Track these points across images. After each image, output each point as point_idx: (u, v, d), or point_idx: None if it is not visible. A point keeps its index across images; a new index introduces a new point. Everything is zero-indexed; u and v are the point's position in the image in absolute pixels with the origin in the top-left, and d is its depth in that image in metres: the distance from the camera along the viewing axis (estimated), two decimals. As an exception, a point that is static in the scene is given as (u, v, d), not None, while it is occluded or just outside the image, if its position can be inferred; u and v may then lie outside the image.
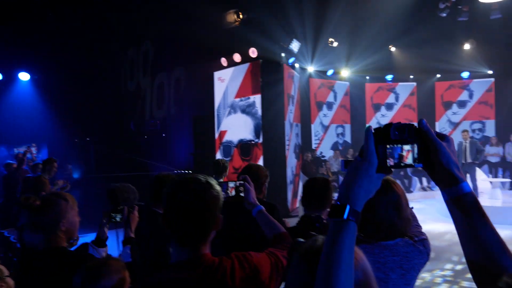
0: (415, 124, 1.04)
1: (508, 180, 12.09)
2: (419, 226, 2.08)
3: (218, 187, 1.48)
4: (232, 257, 1.45)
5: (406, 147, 1.01)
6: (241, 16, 10.72)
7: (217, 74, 11.75)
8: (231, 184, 2.04)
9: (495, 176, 12.41)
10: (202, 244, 1.42)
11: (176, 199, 1.40)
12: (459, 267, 6.26)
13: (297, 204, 11.27)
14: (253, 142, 10.69)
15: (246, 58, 10.90)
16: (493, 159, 12.59)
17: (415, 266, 1.73)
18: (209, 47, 11.56)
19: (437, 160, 1.01)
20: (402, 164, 1.00)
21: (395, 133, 1.00)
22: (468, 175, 9.73)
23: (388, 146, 0.99)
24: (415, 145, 1.01)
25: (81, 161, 13.42)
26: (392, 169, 1.01)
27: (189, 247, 1.41)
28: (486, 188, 10.66)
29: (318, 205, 2.67)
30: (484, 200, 10.04)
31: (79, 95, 13.05)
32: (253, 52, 10.73)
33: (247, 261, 1.44)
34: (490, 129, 14.62)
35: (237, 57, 11.07)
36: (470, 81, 15.20)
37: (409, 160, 1.01)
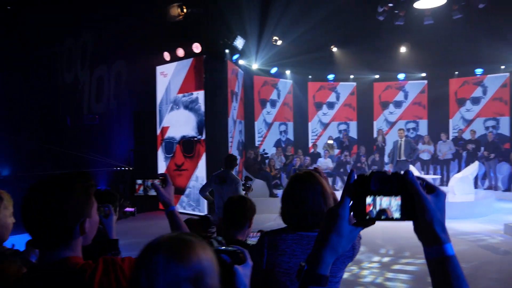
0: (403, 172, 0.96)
1: (438, 176, 12.84)
2: None
3: (83, 187, 1.36)
4: (99, 261, 1.38)
5: (388, 199, 0.94)
6: (185, 10, 10.54)
7: (159, 69, 11.49)
8: (139, 181, 1.98)
9: (427, 173, 13.13)
10: (63, 247, 1.34)
11: (29, 202, 1.31)
12: (386, 259, 6.56)
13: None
14: (196, 138, 10.56)
15: (189, 53, 10.75)
16: (425, 157, 13.31)
17: (341, 258, 1.76)
18: (151, 40, 11.28)
19: (420, 216, 0.93)
20: (382, 217, 0.94)
21: (376, 184, 0.94)
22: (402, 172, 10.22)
23: (368, 197, 0.94)
24: (399, 197, 0.94)
25: (10, 158, 12.59)
26: (371, 223, 0.95)
27: (50, 250, 1.33)
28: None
29: (236, 226, 2.57)
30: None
31: (7, 86, 12.23)
32: (196, 47, 10.61)
33: (114, 265, 1.34)
34: (423, 128, 15.45)
35: (180, 52, 10.89)
36: (406, 83, 15.96)
37: (390, 213, 0.94)
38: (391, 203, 0.93)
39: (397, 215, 0.93)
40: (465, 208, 9.76)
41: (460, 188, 10.68)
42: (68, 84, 14.68)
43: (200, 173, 10.44)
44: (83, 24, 13.11)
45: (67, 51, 14.69)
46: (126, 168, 11.75)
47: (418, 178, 0.95)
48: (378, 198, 0.93)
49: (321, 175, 2.00)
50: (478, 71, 14.84)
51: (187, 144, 10.73)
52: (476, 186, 12.17)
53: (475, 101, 14.97)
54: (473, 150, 12.75)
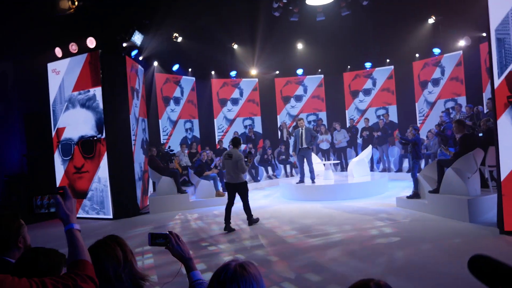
0: None
1: (338, 161, 13.66)
2: None
3: None
4: None
5: None
6: (76, 2, 9.97)
7: (51, 66, 10.73)
8: (37, 198, 1.79)
9: (328, 159, 13.89)
10: None
11: None
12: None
13: (148, 201, 10.95)
14: (95, 138, 10.02)
15: (83, 48, 10.19)
16: (324, 146, 14.07)
17: None
18: (41, 36, 10.47)
19: None
20: None
21: None
22: (305, 159, 10.71)
23: None
24: None
25: None
26: None
27: None
28: (321, 171, 11.86)
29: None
30: (320, 181, 11.16)
31: None
32: (91, 42, 10.09)
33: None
34: (323, 120, 16.30)
35: (73, 47, 10.27)
36: (304, 77, 16.74)
37: None
38: None
39: None
40: (363, 188, 10.48)
41: (357, 170, 11.45)
42: None
43: (102, 173, 9.93)
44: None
45: None
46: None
47: None
48: None
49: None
50: (367, 64, 16.07)
51: (87, 144, 10.13)
52: (372, 169, 13.14)
53: (367, 92, 16.18)
54: (367, 136, 13.74)
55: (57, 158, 10.58)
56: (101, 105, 9.95)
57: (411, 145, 8.71)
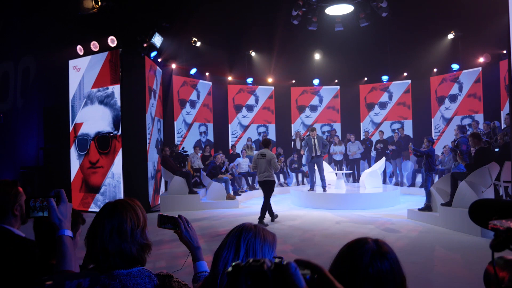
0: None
1: (350, 171, 13.61)
2: None
3: None
4: None
5: None
6: (99, 2, 10.19)
7: (72, 63, 10.97)
8: (32, 200, 1.71)
9: (340, 169, 13.85)
10: None
11: None
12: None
13: (159, 200, 11.04)
14: (111, 134, 10.17)
15: (104, 47, 10.40)
16: (338, 157, 14.04)
17: None
18: (64, 34, 10.75)
19: None
20: None
21: (247, 281, 0.75)
22: (315, 167, 10.73)
23: None
24: None
25: None
26: None
27: None
28: (333, 180, 11.82)
29: None
30: (331, 190, 11.12)
31: None
32: (112, 41, 10.30)
33: None
34: (337, 131, 16.27)
35: (94, 45, 10.49)
36: (320, 88, 16.77)
37: None
38: None
39: None
40: (374, 199, 10.42)
41: (369, 181, 11.38)
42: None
43: (117, 169, 10.06)
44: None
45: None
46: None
47: (308, 266, 0.79)
48: None
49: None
50: (385, 77, 16.03)
51: (102, 140, 10.29)
52: (384, 182, 13.04)
53: (382, 105, 16.12)
54: (381, 149, 13.67)
55: (73, 152, 10.75)
56: (118, 103, 10.12)
57: (425, 157, 8.65)
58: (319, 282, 0.76)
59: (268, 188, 8.48)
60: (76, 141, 10.70)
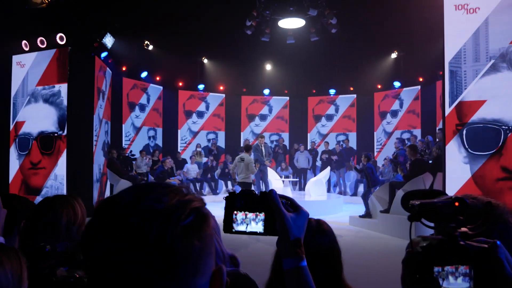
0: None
1: (296, 179, 14.01)
2: None
3: None
4: None
5: (254, 215, 1.03)
6: (49, -2, 9.91)
7: (16, 58, 10.52)
8: None
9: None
10: None
11: None
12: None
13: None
14: (56, 134, 9.85)
15: (52, 44, 10.09)
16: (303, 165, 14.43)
17: None
18: (7, 28, 10.29)
19: (280, 231, 1.02)
20: (247, 231, 1.03)
21: (241, 200, 1.03)
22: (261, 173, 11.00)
23: (235, 212, 1.03)
24: (263, 214, 1.03)
25: None
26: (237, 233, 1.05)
27: None
28: (279, 188, 12.09)
29: None
30: (277, 197, 11.36)
31: None
32: (61, 39, 10.02)
33: None
34: (285, 141, 16.65)
35: (41, 42, 10.15)
36: (271, 98, 17.13)
37: (254, 227, 1.03)
38: (256, 218, 1.02)
39: (260, 229, 1.03)
40: (318, 206, 10.78)
41: (314, 190, 11.77)
42: None
43: (60, 171, 9.73)
44: None
45: None
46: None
47: (285, 197, 1.06)
48: (241, 213, 1.03)
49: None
50: (332, 91, 16.67)
51: (46, 140, 9.92)
52: (328, 191, 13.52)
53: (329, 117, 16.73)
54: (326, 159, 14.17)
55: (13, 152, 10.28)
56: (65, 102, 9.83)
57: (364, 174, 9.22)
58: (291, 207, 1.06)
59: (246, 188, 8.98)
60: (17, 140, 10.24)
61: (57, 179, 9.75)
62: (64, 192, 9.67)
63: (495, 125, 6.24)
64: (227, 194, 1.06)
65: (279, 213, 1.02)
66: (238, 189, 14.32)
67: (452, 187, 6.48)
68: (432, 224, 0.94)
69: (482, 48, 6.42)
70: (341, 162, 13.89)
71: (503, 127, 6.19)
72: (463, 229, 0.89)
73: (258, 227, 1.03)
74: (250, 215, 1.03)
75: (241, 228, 1.03)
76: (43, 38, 10.12)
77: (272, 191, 1.04)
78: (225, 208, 1.04)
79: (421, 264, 0.87)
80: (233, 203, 1.04)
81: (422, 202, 0.92)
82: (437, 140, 10.04)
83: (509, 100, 6.21)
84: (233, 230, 1.03)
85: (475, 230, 0.90)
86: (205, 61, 15.75)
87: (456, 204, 0.87)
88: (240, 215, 1.03)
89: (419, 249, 0.90)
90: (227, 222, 1.04)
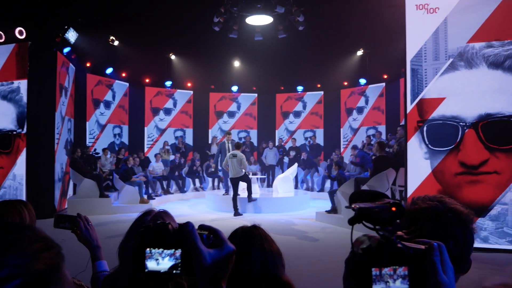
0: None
1: (264, 176, 14.05)
2: None
3: None
4: None
5: (168, 251, 0.90)
6: (6, -10, 9.54)
7: (-29, 53, 10.06)
8: None
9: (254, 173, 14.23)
10: None
11: None
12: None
13: (66, 204, 10.51)
14: (15, 132, 9.51)
15: (11, 38, 9.72)
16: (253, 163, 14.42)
17: None
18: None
19: (196, 271, 0.90)
20: (161, 272, 0.90)
21: (155, 237, 0.91)
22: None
23: (148, 250, 0.91)
24: (179, 251, 0.91)
25: None
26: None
27: None
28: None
29: None
30: (245, 194, 11.37)
31: None
32: (20, 33, 9.68)
33: None
34: (253, 138, 16.68)
35: (-1, 36, 9.76)
36: (239, 95, 17.10)
37: (169, 267, 0.90)
38: (173, 255, 0.90)
39: (177, 269, 0.90)
40: (286, 203, 10.86)
41: (282, 186, 11.83)
42: None
43: (19, 170, 9.40)
44: None
45: None
46: None
47: (208, 229, 0.94)
48: (157, 250, 0.90)
49: None
50: (299, 88, 16.80)
51: (4, 139, 9.55)
52: (296, 188, 13.63)
53: (297, 114, 16.86)
54: (294, 156, 14.28)
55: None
56: (25, 99, 9.50)
57: (337, 181, 9.56)
58: (214, 241, 0.93)
59: (244, 180, 10.08)
60: (-27, 138, 9.82)
61: (15, 179, 9.42)
62: (24, 192, 9.36)
63: (454, 121, 6.45)
64: (142, 229, 0.93)
65: (195, 250, 0.89)
66: (226, 184, 14.21)
67: (414, 182, 6.65)
68: (372, 226, 0.96)
69: (442, 47, 6.61)
70: (309, 160, 14.04)
71: (461, 123, 6.40)
72: (399, 233, 0.91)
73: (175, 266, 0.90)
74: (166, 251, 0.90)
75: (154, 266, 0.90)
76: (1, 32, 9.74)
77: (189, 224, 0.91)
78: (138, 245, 0.91)
79: (361, 266, 0.88)
80: (147, 239, 0.91)
81: (360, 207, 0.93)
82: (397, 136, 10.32)
83: (467, 98, 6.42)
84: (146, 270, 0.90)
85: (411, 234, 0.93)
86: (173, 57, 15.55)
87: (393, 209, 0.89)
88: (155, 252, 0.90)
89: (360, 251, 0.91)
90: (139, 261, 0.91)
